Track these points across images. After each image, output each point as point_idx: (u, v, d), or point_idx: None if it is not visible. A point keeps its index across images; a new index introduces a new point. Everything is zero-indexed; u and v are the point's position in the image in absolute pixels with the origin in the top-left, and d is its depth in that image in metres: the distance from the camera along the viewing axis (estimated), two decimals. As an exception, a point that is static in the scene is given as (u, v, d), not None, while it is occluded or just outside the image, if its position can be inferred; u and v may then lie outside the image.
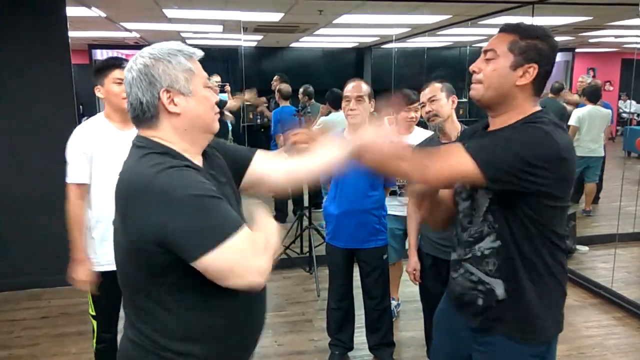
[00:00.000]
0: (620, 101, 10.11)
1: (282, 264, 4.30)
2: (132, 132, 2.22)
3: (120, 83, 2.10)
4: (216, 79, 7.33)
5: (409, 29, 6.79)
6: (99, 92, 2.18)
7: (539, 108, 1.43)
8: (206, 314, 1.18)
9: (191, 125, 1.19)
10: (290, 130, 1.51)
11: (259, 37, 7.54)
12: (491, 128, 1.48)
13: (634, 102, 9.68)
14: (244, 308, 1.24)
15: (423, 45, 8.93)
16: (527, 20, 5.01)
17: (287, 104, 5.56)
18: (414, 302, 2.84)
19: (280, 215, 5.72)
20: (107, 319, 2.29)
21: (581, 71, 9.67)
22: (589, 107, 5.39)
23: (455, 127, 2.39)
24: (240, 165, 1.39)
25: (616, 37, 8.21)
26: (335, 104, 4.56)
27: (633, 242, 4.68)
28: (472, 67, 1.44)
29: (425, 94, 2.41)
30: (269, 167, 1.42)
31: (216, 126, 1.25)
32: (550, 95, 5.86)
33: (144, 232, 1.09)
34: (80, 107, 9.02)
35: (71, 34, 3.82)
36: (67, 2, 3.75)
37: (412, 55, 9.34)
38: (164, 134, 1.18)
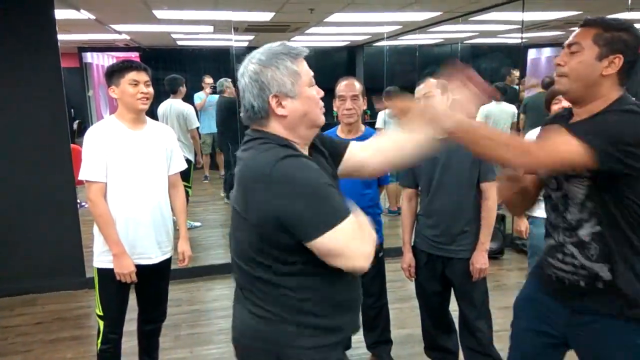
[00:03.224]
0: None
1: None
2: (144, 131, 2.34)
3: (135, 84, 2.20)
4: (208, 80, 7.31)
5: (401, 27, 6.80)
6: (113, 92, 2.25)
7: (621, 94, 1.47)
8: (322, 290, 1.29)
9: (298, 123, 1.30)
10: (387, 100, 1.55)
11: (250, 37, 7.51)
12: (576, 119, 1.52)
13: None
14: (352, 286, 1.37)
15: (415, 42, 8.94)
16: (518, 15, 5.03)
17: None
18: (411, 300, 2.84)
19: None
20: (116, 319, 2.33)
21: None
22: (495, 104, 5.30)
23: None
24: (337, 155, 1.49)
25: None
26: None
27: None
28: (557, 60, 1.49)
29: (420, 90, 2.38)
30: (363, 155, 1.51)
31: (322, 120, 1.35)
32: (541, 89, 5.88)
33: (266, 216, 1.19)
34: (72, 110, 8.98)
35: (60, 37, 3.78)
36: (56, 4, 3.71)
37: (403, 52, 9.34)
38: (273, 129, 1.30)
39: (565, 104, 2.77)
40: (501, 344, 2.87)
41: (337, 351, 1.37)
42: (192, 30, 6.48)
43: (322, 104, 1.34)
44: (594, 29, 1.44)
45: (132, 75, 2.20)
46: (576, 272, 1.54)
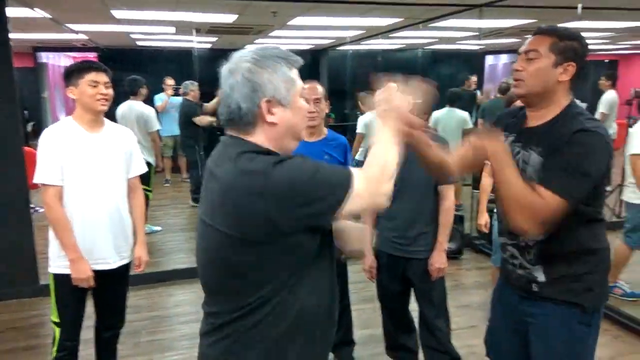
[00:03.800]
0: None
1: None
2: (102, 133, 2.30)
3: (95, 86, 2.17)
4: (170, 81, 7.19)
5: (364, 31, 6.88)
6: (71, 93, 2.21)
7: (571, 99, 1.59)
8: (314, 296, 1.23)
9: (285, 134, 1.22)
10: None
11: (214, 38, 7.44)
12: (531, 123, 1.63)
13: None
14: (332, 286, 1.30)
15: (378, 47, 9.08)
16: (475, 22, 5.19)
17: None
18: (374, 301, 2.88)
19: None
20: (73, 326, 2.28)
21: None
22: (447, 110, 5.46)
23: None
24: None
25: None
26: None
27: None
28: (515, 66, 1.58)
29: (379, 94, 2.43)
30: None
31: (304, 133, 1.31)
32: (497, 95, 6.07)
33: (280, 223, 1.11)
34: (25, 112, 8.64)
35: (13, 35, 3.65)
36: (8, 2, 3.58)
37: (366, 57, 9.47)
38: (257, 138, 1.20)
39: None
40: (459, 341, 2.95)
41: None
42: (152, 30, 6.36)
43: (307, 115, 1.30)
44: (549, 37, 1.53)
45: (92, 76, 2.17)
46: (519, 269, 1.68)
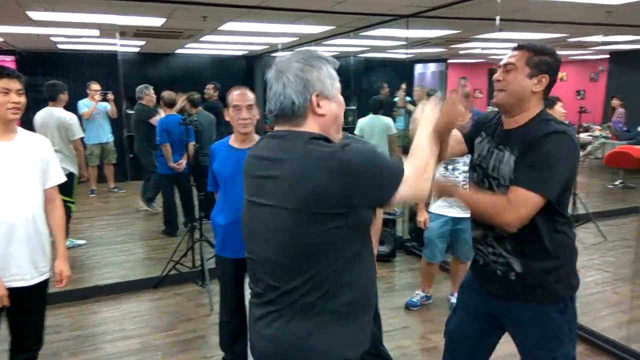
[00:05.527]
0: (489, 107, 11.21)
1: (172, 280, 4.12)
2: (14, 142, 2.16)
3: (6, 93, 2.07)
4: (95, 86, 6.85)
5: (297, 38, 6.91)
6: None
7: (543, 108, 1.77)
8: (363, 274, 1.42)
9: (331, 124, 1.40)
10: None
11: (142, 42, 7.18)
12: (507, 126, 1.80)
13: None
14: (372, 266, 1.48)
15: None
16: (403, 32, 5.36)
17: (172, 112, 5.35)
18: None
19: (171, 228, 5.50)
20: None
21: (454, 80, 10.57)
22: (370, 117, 5.56)
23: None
24: None
25: (482, 49, 9.09)
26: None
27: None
28: (496, 77, 1.77)
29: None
30: None
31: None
32: (425, 100, 6.27)
33: (345, 202, 1.27)
34: None
35: None
36: None
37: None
38: (308, 129, 1.36)
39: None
40: (392, 343, 3.01)
41: None
42: (75, 33, 6.03)
43: None
44: (526, 52, 1.72)
45: (3, 83, 2.06)
46: (496, 261, 1.82)
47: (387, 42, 7.32)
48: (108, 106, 7.05)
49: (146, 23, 5.19)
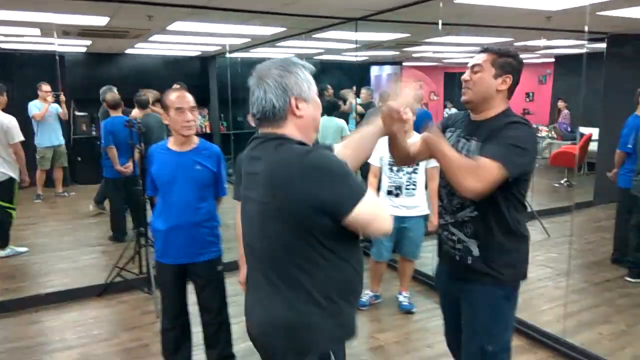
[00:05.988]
0: (445, 109, 11.51)
1: (117, 288, 4.00)
2: None
3: None
4: (46, 88, 6.57)
5: (249, 39, 6.85)
6: None
7: (507, 106, 1.91)
8: (347, 267, 1.48)
9: (309, 125, 1.51)
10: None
11: (88, 42, 6.95)
12: (475, 119, 1.94)
13: (455, 110, 11.07)
14: (359, 264, 1.55)
15: (266, 56, 9.07)
16: (352, 35, 5.41)
17: (118, 113, 5.20)
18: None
19: (118, 234, 5.34)
20: None
21: (410, 83, 10.73)
22: (324, 119, 5.53)
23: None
24: None
25: (434, 52, 9.28)
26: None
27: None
28: (464, 77, 1.91)
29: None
30: (343, 153, 1.67)
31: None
32: (379, 103, 6.34)
33: (307, 203, 1.35)
34: None
35: None
36: None
37: (256, 65, 9.43)
38: (288, 130, 1.47)
39: None
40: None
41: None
42: (13, 32, 5.76)
43: None
44: (491, 54, 1.87)
45: None
46: (454, 247, 1.96)
47: (339, 44, 7.36)
48: (59, 108, 6.78)
49: (89, 22, 5.02)
